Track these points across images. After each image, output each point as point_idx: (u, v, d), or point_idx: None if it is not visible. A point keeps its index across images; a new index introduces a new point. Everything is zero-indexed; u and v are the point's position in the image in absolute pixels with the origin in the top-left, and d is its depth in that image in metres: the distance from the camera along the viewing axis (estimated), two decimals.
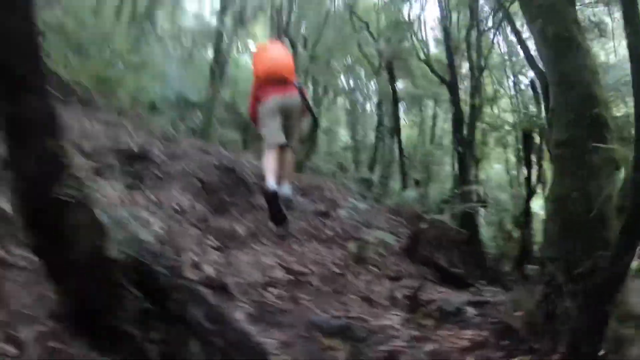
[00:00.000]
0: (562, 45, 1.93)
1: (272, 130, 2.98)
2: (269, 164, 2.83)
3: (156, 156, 3.19)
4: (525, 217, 6.70)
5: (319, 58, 14.50)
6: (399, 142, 8.33)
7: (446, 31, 7.55)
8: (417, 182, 7.44)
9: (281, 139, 2.99)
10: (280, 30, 10.75)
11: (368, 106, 15.61)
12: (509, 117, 8.60)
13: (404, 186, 7.17)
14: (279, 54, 3.14)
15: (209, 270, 2.09)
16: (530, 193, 6.94)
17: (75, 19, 5.19)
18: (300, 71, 11.75)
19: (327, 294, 2.31)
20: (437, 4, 8.28)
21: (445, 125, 11.35)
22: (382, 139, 10.36)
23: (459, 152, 6.70)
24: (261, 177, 3.06)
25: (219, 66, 6.98)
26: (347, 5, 12.16)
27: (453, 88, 7.21)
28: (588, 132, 1.77)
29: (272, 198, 2.71)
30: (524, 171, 7.32)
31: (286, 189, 3.07)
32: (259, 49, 3.38)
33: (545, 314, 1.61)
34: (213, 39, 7.51)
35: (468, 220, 5.49)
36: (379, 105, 11.31)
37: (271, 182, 2.74)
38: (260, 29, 20.30)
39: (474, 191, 5.06)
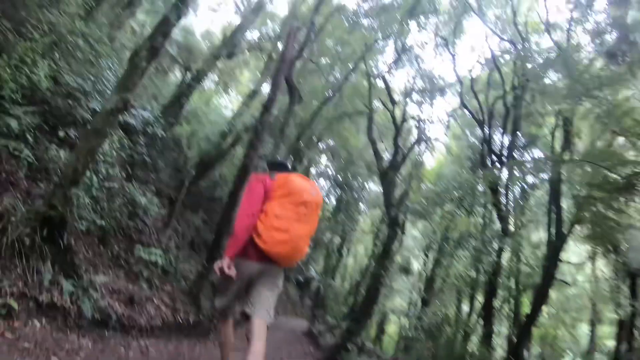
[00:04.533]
0: None
1: (230, 296, 2.35)
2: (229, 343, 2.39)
3: None
4: None
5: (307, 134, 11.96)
6: None
7: None
8: None
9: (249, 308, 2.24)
10: (280, 74, 7.94)
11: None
12: None
13: None
14: (304, 229, 2.22)
15: None
16: None
17: None
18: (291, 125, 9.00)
19: None
20: None
21: None
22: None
23: None
24: None
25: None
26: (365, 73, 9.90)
27: None
28: None
29: None
30: None
31: None
32: (284, 183, 2.26)
33: None
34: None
35: None
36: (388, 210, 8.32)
37: None
38: (250, 70, 17.69)
39: None
